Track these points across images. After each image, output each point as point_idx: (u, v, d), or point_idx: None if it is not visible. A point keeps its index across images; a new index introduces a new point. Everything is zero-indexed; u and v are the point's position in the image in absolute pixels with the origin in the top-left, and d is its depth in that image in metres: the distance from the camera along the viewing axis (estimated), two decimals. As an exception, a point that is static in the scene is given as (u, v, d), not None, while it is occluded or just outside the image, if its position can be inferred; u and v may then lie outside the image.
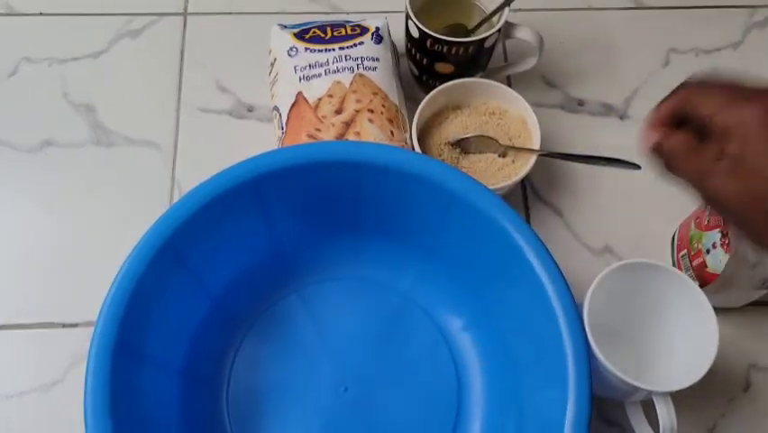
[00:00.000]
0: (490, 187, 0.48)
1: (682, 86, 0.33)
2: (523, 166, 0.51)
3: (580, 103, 0.60)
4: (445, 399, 0.46)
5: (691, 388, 0.40)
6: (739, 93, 0.30)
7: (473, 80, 0.53)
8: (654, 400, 0.40)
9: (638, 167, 0.49)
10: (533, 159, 0.51)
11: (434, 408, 0.46)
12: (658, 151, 0.33)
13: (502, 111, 0.54)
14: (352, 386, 0.46)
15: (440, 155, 0.52)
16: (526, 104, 0.52)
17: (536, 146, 0.51)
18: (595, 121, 0.59)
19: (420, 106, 0.52)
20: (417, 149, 0.51)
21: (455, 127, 0.53)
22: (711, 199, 0.31)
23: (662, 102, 0.34)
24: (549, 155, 0.52)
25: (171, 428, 0.42)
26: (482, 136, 0.52)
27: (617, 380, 0.40)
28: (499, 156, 0.53)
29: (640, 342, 0.47)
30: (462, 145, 0.53)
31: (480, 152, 0.53)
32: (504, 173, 0.52)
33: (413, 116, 0.51)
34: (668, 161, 0.33)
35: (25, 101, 0.58)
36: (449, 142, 0.53)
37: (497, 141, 0.52)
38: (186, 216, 0.41)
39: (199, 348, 0.45)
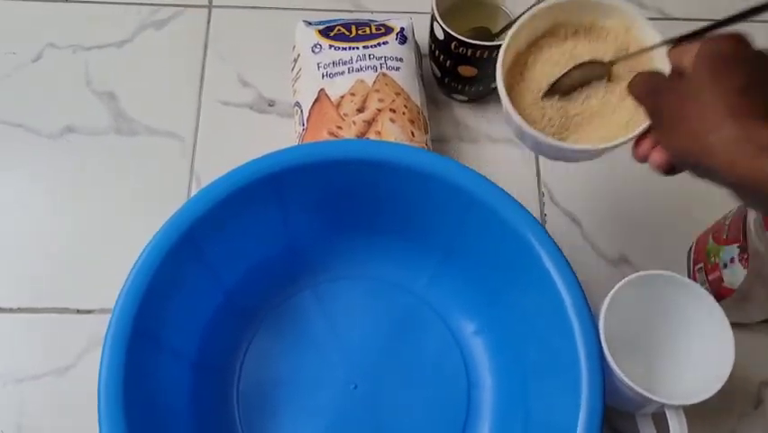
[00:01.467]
0: (623, 140, 0.37)
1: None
2: None
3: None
4: (455, 400, 0.46)
5: (702, 402, 0.40)
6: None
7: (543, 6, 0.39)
8: (667, 413, 0.40)
9: None
10: (661, 54, 0.37)
11: (443, 409, 0.46)
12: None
13: (587, 28, 0.40)
14: (362, 384, 0.46)
15: (544, 116, 0.39)
16: (631, 7, 0.39)
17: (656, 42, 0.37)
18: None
19: (498, 68, 0.39)
20: (522, 125, 0.38)
21: (541, 69, 0.40)
22: (652, 113, 0.35)
23: None
24: (682, 39, 0.36)
25: (182, 417, 0.42)
26: (581, 65, 0.39)
27: (630, 391, 0.40)
28: (607, 81, 0.39)
29: (654, 354, 0.47)
30: (557, 89, 0.39)
31: (581, 87, 0.40)
32: (626, 105, 0.38)
33: (433, 118, 0.51)
34: (632, 83, 0.37)
35: (48, 87, 0.58)
36: (543, 95, 0.40)
37: (599, 61, 0.39)
38: (204, 209, 0.41)
39: (211, 340, 0.45)
